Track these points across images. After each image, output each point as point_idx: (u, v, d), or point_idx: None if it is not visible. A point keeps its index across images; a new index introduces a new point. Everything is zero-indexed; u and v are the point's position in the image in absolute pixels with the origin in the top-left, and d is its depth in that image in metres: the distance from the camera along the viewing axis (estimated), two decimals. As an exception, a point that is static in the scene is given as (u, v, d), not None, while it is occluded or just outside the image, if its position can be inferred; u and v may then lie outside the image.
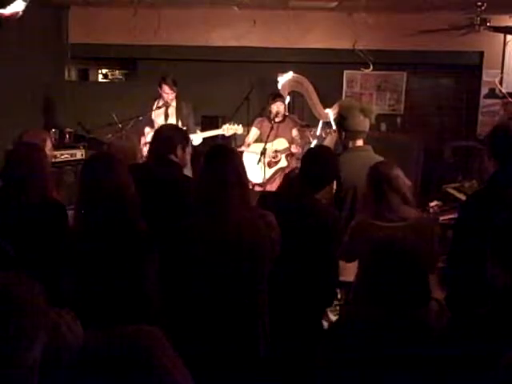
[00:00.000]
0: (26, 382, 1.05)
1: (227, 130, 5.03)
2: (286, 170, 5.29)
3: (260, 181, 5.20)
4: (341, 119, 3.47)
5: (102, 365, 0.90)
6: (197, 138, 4.99)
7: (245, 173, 2.39)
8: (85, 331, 0.98)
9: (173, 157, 2.96)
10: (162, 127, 3.44)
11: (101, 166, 2.38)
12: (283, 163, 5.36)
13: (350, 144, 3.41)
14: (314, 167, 2.82)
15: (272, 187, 5.16)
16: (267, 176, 5.23)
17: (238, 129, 5.09)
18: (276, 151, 5.30)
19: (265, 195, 3.20)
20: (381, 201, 2.66)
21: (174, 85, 5.10)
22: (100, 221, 2.29)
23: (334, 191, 3.26)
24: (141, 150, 4.63)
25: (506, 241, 1.57)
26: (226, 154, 2.39)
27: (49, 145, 3.54)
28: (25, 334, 1.05)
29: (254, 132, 5.52)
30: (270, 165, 5.25)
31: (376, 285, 1.82)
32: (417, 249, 2.44)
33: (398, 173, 2.71)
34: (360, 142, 3.41)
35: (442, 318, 2.28)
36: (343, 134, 3.44)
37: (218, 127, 5.25)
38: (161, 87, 5.12)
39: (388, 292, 1.78)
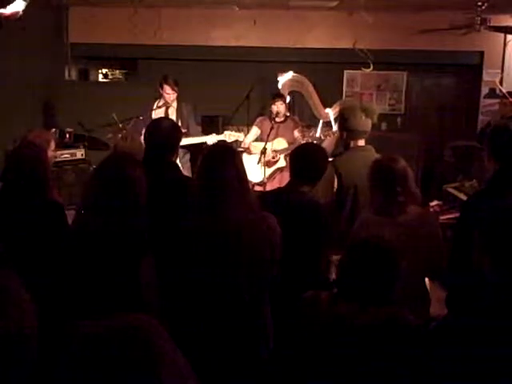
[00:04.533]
0: (27, 351, 1.08)
1: (229, 136, 5.00)
2: (285, 170, 5.29)
3: (259, 180, 5.21)
4: (342, 119, 3.46)
5: (103, 354, 0.89)
6: (211, 140, 4.90)
7: (245, 172, 2.36)
8: (83, 322, 0.98)
9: (173, 157, 2.93)
10: (160, 125, 3.01)
11: (129, 165, 2.33)
12: (282, 163, 5.36)
13: (352, 144, 3.40)
14: (300, 161, 2.85)
15: (271, 187, 5.16)
16: (266, 175, 5.23)
17: (240, 136, 5.08)
18: (275, 151, 5.30)
19: (261, 195, 3.18)
20: (384, 196, 2.61)
21: (175, 85, 5.09)
22: (105, 220, 2.25)
23: (334, 191, 3.26)
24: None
25: (494, 230, 1.58)
26: (226, 154, 2.35)
27: (52, 146, 3.54)
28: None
29: (255, 131, 5.51)
30: (268, 164, 5.24)
31: (349, 279, 1.84)
32: (408, 246, 2.42)
33: (403, 165, 2.64)
34: (361, 142, 3.40)
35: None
36: (344, 134, 3.43)
37: (218, 127, 5.23)
38: (162, 87, 5.11)
39: (361, 287, 1.80)
